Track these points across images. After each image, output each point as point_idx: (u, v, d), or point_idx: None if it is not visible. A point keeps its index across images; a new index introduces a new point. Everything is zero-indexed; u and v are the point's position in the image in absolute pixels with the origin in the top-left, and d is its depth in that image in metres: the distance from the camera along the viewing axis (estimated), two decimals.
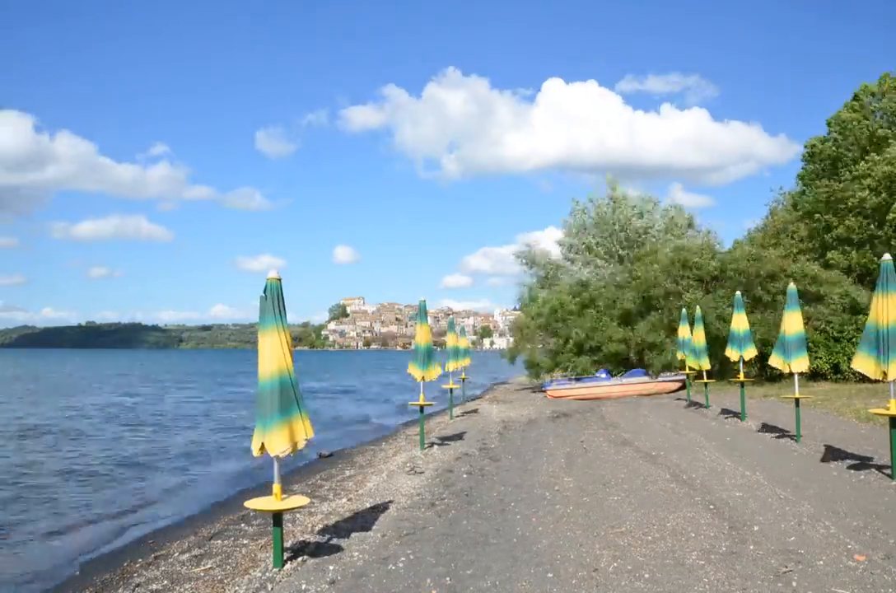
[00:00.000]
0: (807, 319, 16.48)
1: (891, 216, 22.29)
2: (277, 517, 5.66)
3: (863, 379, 19.28)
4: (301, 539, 6.55)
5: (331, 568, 5.53)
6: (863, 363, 7.81)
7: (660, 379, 20.99)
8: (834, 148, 25.07)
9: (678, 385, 20.65)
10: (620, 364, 23.32)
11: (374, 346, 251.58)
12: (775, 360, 10.92)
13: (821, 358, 19.95)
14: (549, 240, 29.48)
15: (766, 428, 12.32)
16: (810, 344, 17.30)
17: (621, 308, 23.46)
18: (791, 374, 10.99)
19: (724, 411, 15.06)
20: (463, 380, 22.92)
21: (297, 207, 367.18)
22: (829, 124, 25.75)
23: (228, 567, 6.05)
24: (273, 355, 5.49)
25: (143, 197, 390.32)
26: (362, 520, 7.04)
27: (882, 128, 23.85)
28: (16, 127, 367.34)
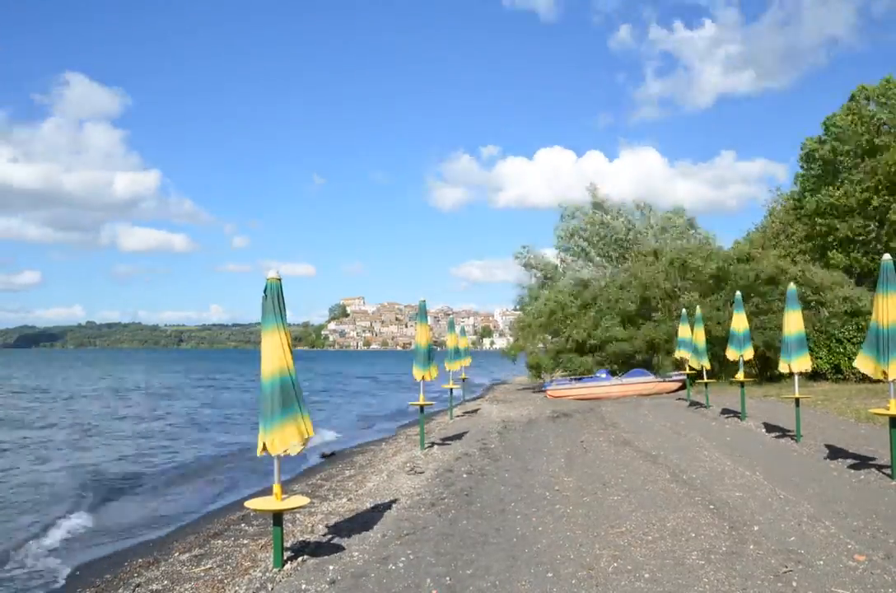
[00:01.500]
0: (807, 322, 16.46)
1: (892, 217, 22.28)
2: (277, 517, 5.67)
3: (863, 379, 19.28)
4: (301, 539, 6.56)
5: (331, 567, 5.53)
6: (864, 362, 7.92)
7: (660, 379, 21.01)
8: (831, 154, 24.98)
9: (678, 385, 20.66)
10: (624, 363, 23.28)
11: (374, 346, 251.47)
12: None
13: (821, 358, 19.96)
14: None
15: (766, 428, 12.31)
16: (811, 344, 17.28)
17: (621, 309, 23.37)
18: (791, 374, 10.99)
19: (725, 411, 15.06)
20: (463, 379, 22.93)
21: (325, 231, 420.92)
22: (825, 127, 25.68)
23: (228, 567, 6.05)
24: (274, 355, 5.50)
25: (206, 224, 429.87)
26: (362, 520, 7.05)
27: (881, 133, 23.76)
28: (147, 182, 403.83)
